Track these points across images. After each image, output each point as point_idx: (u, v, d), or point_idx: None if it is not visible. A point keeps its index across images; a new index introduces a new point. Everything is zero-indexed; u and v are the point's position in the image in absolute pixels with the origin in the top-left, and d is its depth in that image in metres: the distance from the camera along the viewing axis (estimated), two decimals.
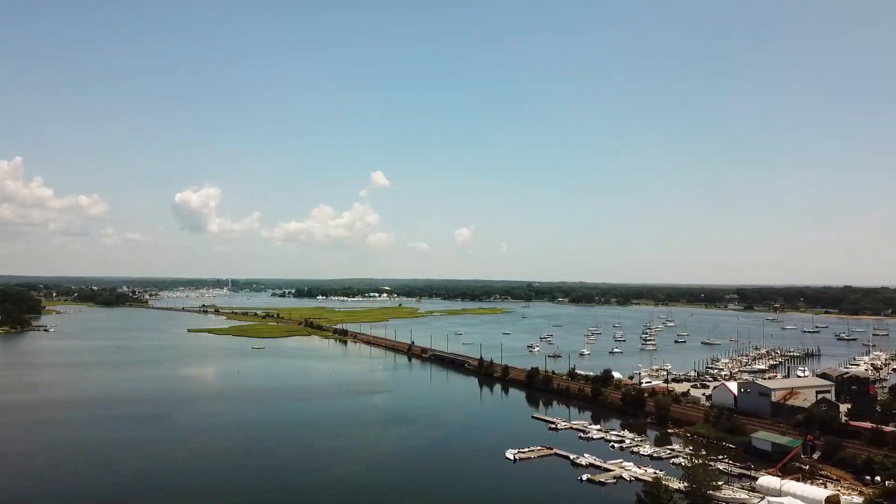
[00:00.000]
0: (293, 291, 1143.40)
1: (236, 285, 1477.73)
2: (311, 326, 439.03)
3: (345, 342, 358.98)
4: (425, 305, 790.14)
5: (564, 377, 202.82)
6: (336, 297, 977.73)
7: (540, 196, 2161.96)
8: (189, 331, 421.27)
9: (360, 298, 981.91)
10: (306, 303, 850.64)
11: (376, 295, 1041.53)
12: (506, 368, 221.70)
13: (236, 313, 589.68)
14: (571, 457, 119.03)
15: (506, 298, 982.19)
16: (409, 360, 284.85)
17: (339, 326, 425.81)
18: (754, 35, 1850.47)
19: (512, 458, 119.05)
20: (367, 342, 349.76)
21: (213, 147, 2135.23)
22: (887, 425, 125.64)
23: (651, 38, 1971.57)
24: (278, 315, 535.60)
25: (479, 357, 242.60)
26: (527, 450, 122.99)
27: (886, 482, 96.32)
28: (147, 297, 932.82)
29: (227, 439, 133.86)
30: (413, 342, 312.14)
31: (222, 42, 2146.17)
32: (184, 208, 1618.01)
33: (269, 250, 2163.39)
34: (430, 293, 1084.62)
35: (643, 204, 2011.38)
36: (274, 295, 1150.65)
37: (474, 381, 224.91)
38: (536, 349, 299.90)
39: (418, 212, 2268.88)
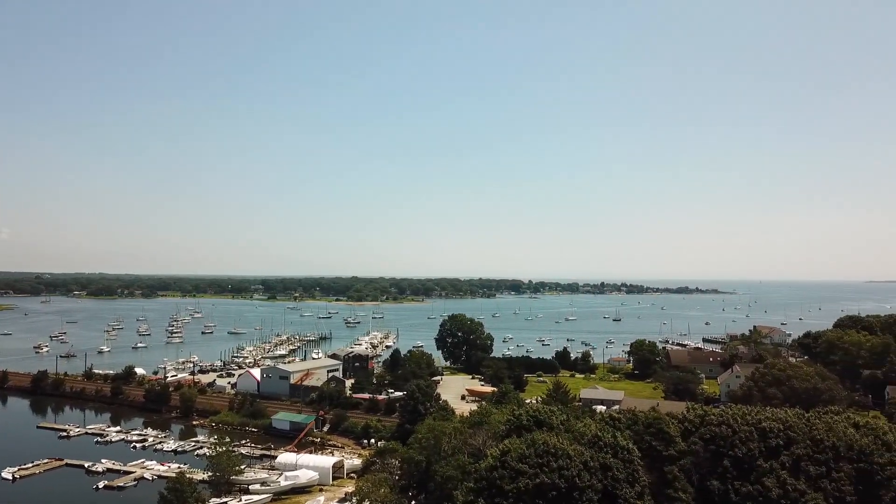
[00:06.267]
0: None
1: None
2: None
3: None
4: None
5: (80, 378, 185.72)
6: None
7: (51, 170, 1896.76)
8: None
9: None
10: None
11: None
12: (4, 374, 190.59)
13: None
14: (86, 465, 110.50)
15: (7, 293, 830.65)
16: None
17: None
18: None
19: (10, 477, 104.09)
20: None
21: None
22: (381, 394, 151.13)
23: None
24: None
25: None
26: (30, 465, 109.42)
27: (379, 443, 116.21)
28: None
29: None
30: None
31: None
32: None
33: None
34: None
35: (160, 194, 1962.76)
36: None
37: None
38: (45, 349, 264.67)
39: None
